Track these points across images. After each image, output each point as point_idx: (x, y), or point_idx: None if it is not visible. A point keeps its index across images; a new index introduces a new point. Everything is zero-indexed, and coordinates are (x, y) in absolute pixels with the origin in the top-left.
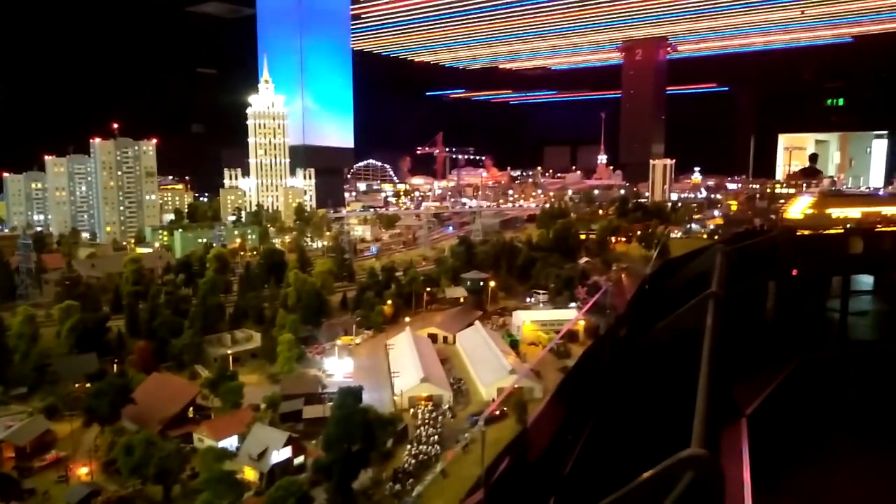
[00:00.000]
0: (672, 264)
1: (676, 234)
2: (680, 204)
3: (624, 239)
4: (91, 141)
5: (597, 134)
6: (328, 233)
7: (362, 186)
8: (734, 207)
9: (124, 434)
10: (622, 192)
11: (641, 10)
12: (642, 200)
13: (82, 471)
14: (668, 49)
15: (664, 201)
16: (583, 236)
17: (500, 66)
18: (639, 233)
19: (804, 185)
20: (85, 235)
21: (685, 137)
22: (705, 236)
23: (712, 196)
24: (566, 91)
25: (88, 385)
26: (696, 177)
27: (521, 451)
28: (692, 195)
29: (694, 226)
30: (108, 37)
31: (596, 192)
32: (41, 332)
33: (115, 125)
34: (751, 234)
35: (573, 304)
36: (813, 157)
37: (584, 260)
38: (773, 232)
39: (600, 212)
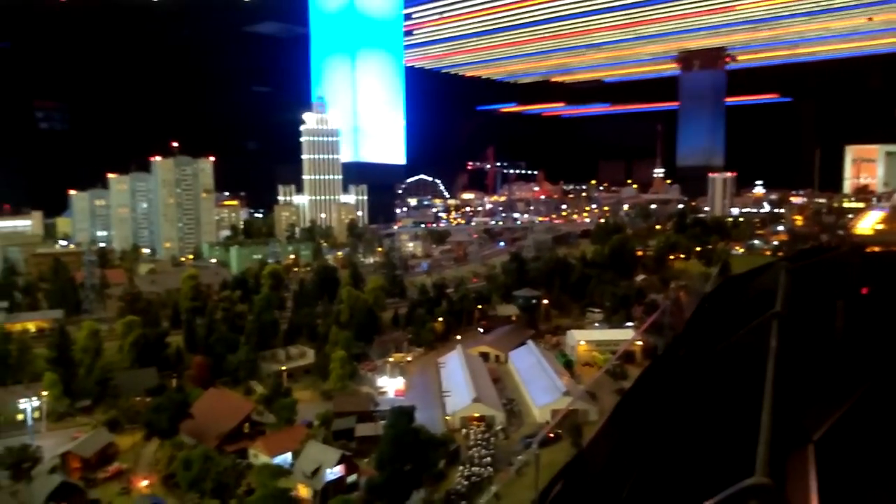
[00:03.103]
0: (733, 282)
1: (738, 250)
2: (741, 219)
3: (682, 255)
4: (151, 160)
5: (653, 147)
6: (380, 249)
7: (413, 202)
8: (799, 222)
9: (183, 448)
10: (680, 206)
11: (698, 20)
12: (701, 215)
13: (143, 483)
14: (727, 59)
15: (724, 216)
16: (639, 252)
17: (552, 80)
18: (698, 249)
19: None
20: (145, 251)
21: (746, 150)
22: (769, 253)
23: (775, 210)
24: (621, 103)
25: (149, 399)
26: (759, 190)
27: (576, 476)
28: (754, 210)
29: (756, 242)
30: (168, 58)
31: (652, 206)
32: (104, 346)
33: (175, 144)
34: (817, 250)
35: (630, 324)
36: None
37: (640, 277)
38: (841, 248)
39: (657, 227)
